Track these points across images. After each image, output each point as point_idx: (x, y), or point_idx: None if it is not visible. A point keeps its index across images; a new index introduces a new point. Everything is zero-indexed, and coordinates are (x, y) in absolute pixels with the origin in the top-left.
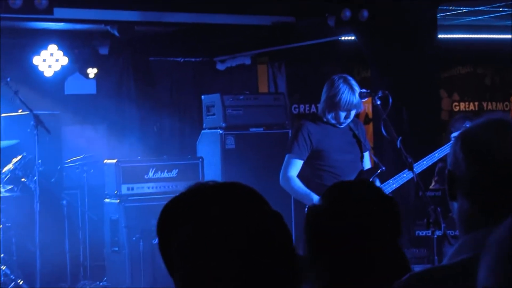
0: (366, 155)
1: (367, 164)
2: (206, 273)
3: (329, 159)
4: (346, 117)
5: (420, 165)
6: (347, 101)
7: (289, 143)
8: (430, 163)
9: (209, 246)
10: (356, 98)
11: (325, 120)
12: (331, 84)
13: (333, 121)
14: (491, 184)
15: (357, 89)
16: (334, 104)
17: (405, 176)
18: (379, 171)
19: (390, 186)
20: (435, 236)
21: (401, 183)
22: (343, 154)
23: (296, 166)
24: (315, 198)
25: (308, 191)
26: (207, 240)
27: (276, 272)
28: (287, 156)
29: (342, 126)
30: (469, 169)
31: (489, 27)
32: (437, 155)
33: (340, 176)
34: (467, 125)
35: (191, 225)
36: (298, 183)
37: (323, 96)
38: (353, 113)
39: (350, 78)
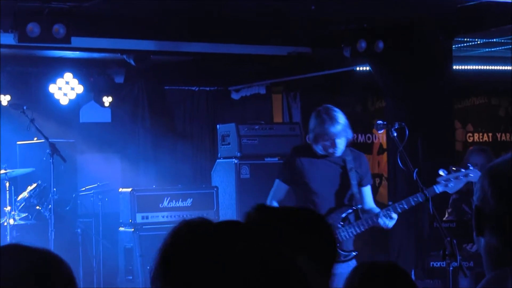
0: (366, 190)
1: (368, 199)
2: None
3: (310, 191)
4: (333, 146)
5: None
6: (326, 131)
7: (279, 169)
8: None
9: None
10: (336, 128)
11: (314, 151)
12: (313, 116)
13: (322, 152)
14: None
15: (339, 116)
16: (316, 136)
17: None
18: (351, 209)
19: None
20: (451, 268)
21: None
22: (325, 187)
23: (280, 190)
24: None
25: None
26: (225, 277)
27: None
28: (275, 180)
29: (336, 155)
30: (498, 205)
31: (504, 58)
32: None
33: (319, 209)
34: (481, 158)
35: (213, 260)
36: None
37: (309, 129)
38: (339, 141)
39: (330, 107)
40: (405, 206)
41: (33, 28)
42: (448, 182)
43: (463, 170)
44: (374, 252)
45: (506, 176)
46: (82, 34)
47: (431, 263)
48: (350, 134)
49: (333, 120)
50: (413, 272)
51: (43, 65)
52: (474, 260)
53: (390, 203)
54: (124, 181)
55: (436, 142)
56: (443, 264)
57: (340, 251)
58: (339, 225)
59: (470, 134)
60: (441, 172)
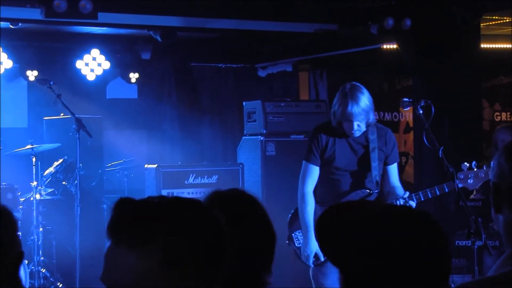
0: (391, 168)
1: (393, 178)
2: None
3: (332, 169)
4: (351, 128)
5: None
6: (346, 112)
7: (305, 150)
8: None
9: None
10: (356, 110)
11: (335, 129)
12: (338, 92)
13: (342, 131)
14: None
15: (362, 99)
16: (336, 114)
17: (444, 188)
18: (368, 193)
19: (425, 195)
20: (476, 246)
21: (436, 194)
22: (345, 166)
23: (313, 173)
24: (311, 235)
25: (310, 225)
26: None
27: None
28: (303, 163)
29: (355, 136)
30: None
31: None
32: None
33: (337, 188)
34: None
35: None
36: (309, 209)
37: (332, 104)
38: (358, 124)
39: (357, 87)
40: (422, 198)
41: (60, 3)
42: (468, 178)
43: (485, 167)
44: None
45: None
46: (109, 9)
47: (456, 241)
48: (371, 117)
49: (355, 101)
50: None
51: (70, 41)
52: (499, 239)
53: (407, 193)
54: (150, 157)
55: (463, 121)
56: (468, 243)
57: None
58: None
59: (498, 113)
60: (463, 167)
